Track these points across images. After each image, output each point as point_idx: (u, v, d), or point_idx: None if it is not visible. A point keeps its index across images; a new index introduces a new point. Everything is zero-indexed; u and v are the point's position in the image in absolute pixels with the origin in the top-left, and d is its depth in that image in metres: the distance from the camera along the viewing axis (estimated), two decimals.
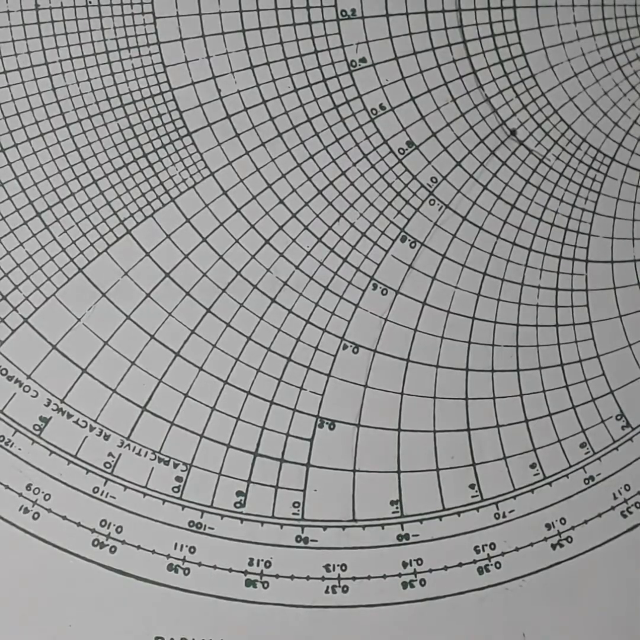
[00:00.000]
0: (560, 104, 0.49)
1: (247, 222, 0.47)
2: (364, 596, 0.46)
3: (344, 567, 0.46)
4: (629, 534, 0.48)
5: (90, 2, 0.46)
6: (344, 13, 0.48)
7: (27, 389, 0.45)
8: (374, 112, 0.48)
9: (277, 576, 0.45)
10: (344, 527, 0.46)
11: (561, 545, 0.47)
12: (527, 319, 0.48)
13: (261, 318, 0.47)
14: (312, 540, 0.46)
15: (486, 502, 0.47)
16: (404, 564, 0.46)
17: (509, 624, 0.46)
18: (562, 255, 0.49)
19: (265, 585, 0.45)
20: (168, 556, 0.45)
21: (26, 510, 0.44)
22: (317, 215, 0.47)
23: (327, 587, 0.46)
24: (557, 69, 0.49)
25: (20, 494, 0.44)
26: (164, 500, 0.45)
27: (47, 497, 0.44)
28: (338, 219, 0.47)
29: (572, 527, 0.47)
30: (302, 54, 0.47)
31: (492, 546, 0.47)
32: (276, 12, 0.47)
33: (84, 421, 0.45)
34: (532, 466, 0.48)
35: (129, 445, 0.45)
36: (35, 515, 0.44)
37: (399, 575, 0.46)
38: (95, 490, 0.45)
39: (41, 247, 0.45)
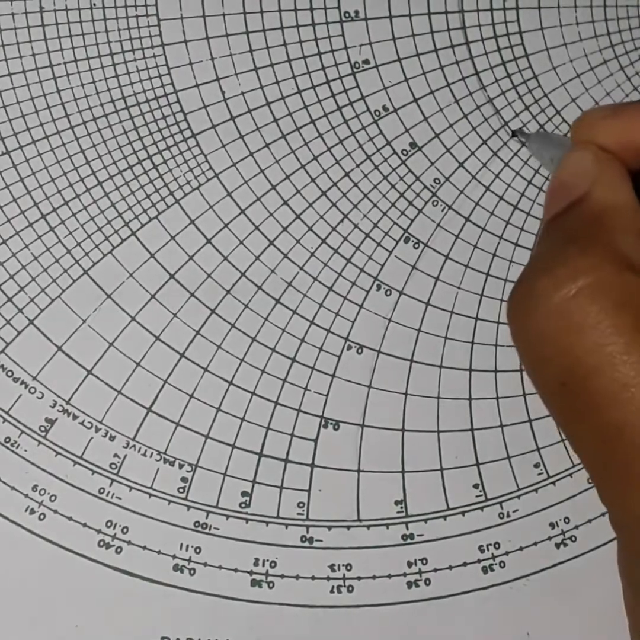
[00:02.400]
0: (563, 105, 0.49)
1: (252, 224, 0.47)
2: (369, 596, 0.46)
3: (349, 567, 0.46)
4: None
5: (94, 5, 0.46)
6: (347, 15, 0.48)
7: (32, 390, 0.45)
8: (377, 113, 0.48)
9: (282, 576, 0.45)
10: (348, 527, 0.46)
11: (565, 545, 0.47)
12: None
13: (266, 319, 0.47)
14: (317, 540, 0.46)
15: (490, 501, 0.47)
16: (409, 564, 0.46)
17: (513, 623, 0.46)
18: None
19: (271, 585, 0.45)
20: (174, 556, 0.45)
21: (32, 511, 0.44)
22: (321, 217, 0.47)
23: (332, 586, 0.46)
24: (559, 70, 0.49)
25: (26, 495, 0.44)
26: (170, 501, 0.45)
27: (53, 498, 0.44)
28: (342, 220, 0.48)
29: (576, 527, 0.47)
30: (306, 56, 0.48)
31: (497, 545, 0.47)
32: (280, 14, 0.47)
33: (89, 422, 0.45)
34: (536, 466, 0.48)
35: (134, 446, 0.45)
36: (41, 516, 0.44)
37: (404, 574, 0.46)
38: (101, 491, 0.45)
39: (46, 249, 0.45)
